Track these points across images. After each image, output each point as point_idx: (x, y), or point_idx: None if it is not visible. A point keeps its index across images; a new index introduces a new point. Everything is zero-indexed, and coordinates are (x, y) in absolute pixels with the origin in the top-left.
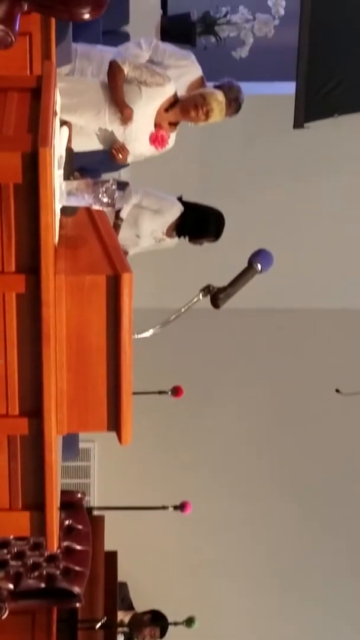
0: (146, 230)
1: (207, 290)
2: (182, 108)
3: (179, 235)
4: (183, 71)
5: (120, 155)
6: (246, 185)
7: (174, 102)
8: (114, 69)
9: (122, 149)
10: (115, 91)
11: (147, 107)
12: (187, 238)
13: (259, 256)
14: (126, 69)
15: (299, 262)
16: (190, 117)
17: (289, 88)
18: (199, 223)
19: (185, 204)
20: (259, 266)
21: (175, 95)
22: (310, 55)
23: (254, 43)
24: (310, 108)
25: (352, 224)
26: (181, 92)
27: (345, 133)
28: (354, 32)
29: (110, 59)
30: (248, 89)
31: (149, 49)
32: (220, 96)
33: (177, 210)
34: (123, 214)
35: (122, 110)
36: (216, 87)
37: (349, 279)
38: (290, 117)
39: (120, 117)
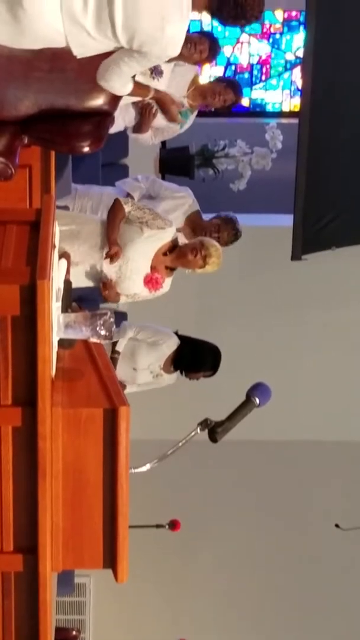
0: (143, 363)
1: (204, 424)
2: (180, 252)
3: (175, 369)
4: (180, 202)
5: (106, 292)
6: (244, 318)
7: (173, 247)
8: (115, 207)
9: (110, 286)
10: (111, 228)
11: (146, 247)
12: (183, 374)
13: (257, 390)
14: (128, 208)
15: (298, 394)
16: (187, 261)
17: (286, 220)
18: (195, 356)
19: (181, 338)
20: (257, 400)
21: (175, 240)
22: (307, 189)
23: (252, 176)
24: (307, 241)
25: (349, 356)
26: (178, 225)
27: (343, 265)
28: (350, 167)
29: (109, 193)
30: (246, 221)
31: (146, 182)
32: (218, 245)
33: (173, 343)
34: (120, 347)
35: (111, 247)
36: (213, 218)
37: (348, 411)
38: (288, 249)
39: (108, 252)
